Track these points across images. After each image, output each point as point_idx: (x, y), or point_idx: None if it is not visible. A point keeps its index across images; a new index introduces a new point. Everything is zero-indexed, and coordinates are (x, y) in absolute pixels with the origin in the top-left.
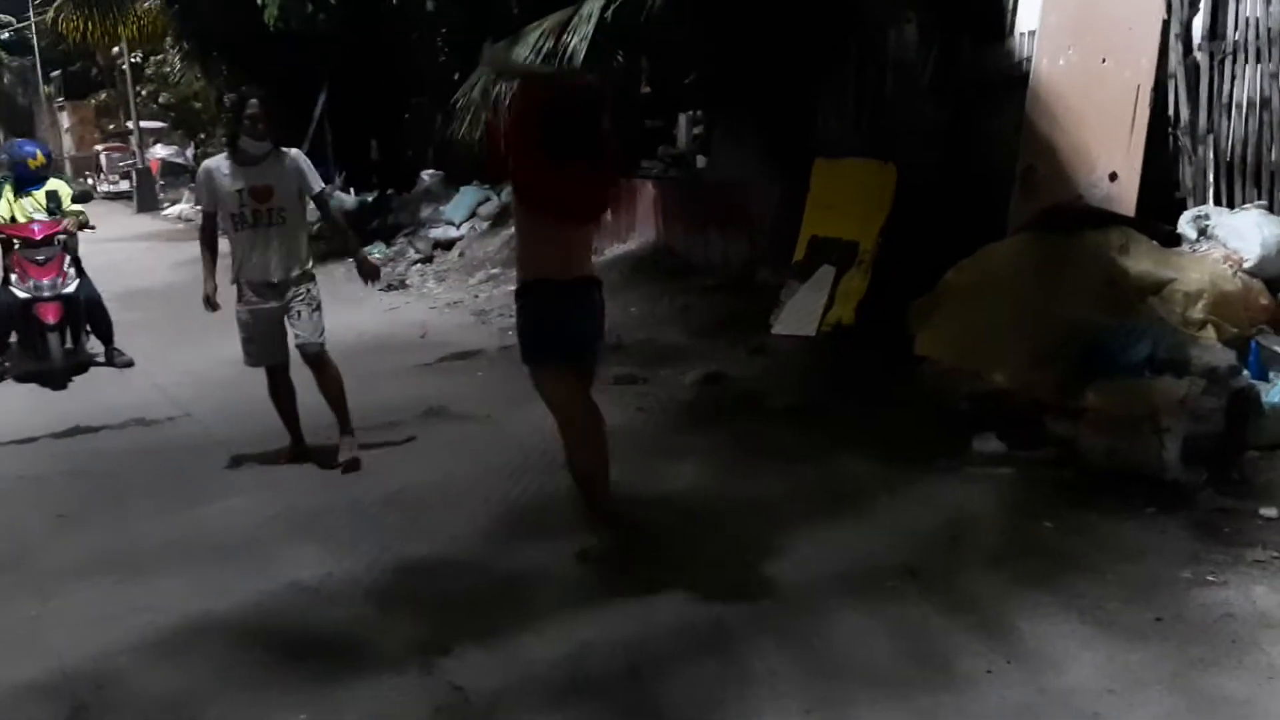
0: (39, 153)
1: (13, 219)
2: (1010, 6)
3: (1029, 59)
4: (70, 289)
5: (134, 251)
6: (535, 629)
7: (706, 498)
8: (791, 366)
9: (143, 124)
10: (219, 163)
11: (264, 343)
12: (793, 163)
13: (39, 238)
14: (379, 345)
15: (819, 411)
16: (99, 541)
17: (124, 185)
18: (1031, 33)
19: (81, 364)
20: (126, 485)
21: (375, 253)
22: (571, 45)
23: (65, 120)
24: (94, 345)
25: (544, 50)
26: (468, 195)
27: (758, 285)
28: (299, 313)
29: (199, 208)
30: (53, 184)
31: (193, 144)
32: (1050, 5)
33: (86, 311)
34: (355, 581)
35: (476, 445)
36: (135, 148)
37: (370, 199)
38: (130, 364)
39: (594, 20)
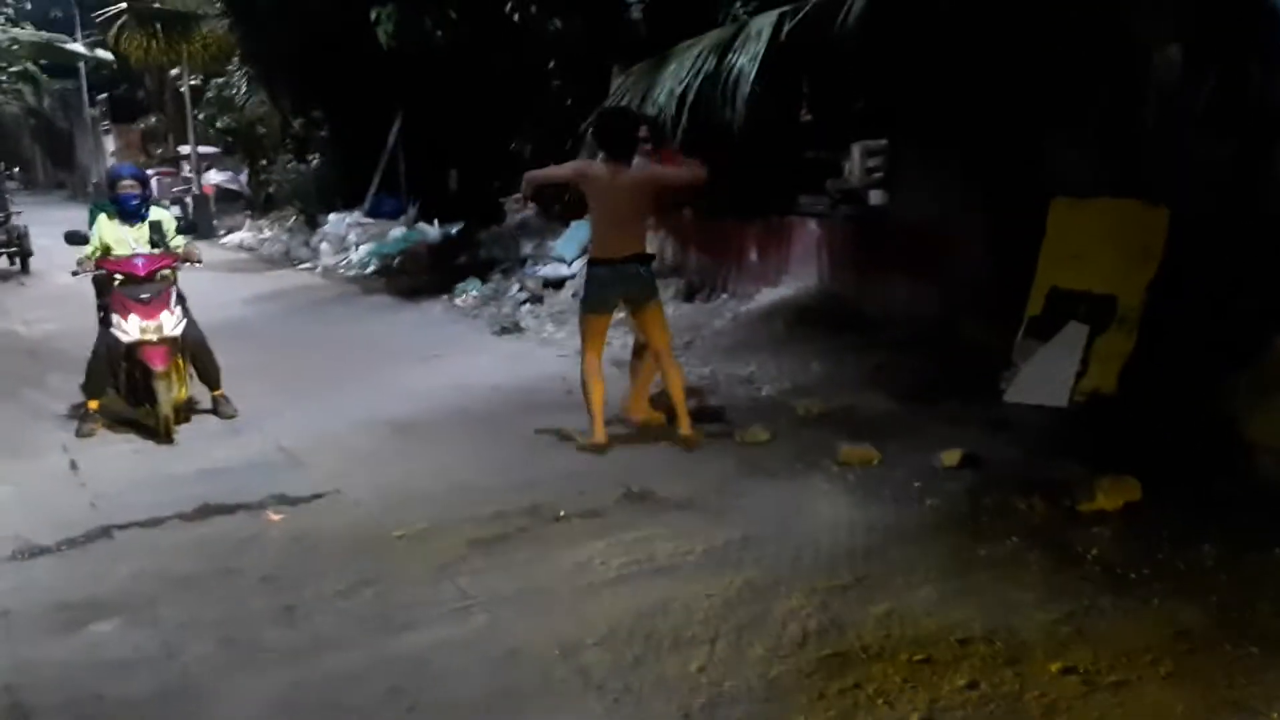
0: (128, 177)
1: (108, 251)
2: None
3: None
4: (178, 330)
5: (199, 284)
6: None
7: (1100, 652)
8: (1057, 447)
9: (196, 149)
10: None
11: None
12: (1010, 201)
13: (143, 274)
14: (524, 402)
15: (1144, 517)
16: (289, 682)
17: (174, 212)
18: None
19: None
20: (298, 594)
21: (471, 290)
22: (738, 65)
23: (110, 144)
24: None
25: (703, 71)
26: (579, 231)
27: (965, 343)
28: None
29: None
30: (155, 213)
31: (248, 170)
32: None
33: (192, 354)
34: None
35: (709, 545)
36: (193, 173)
37: (456, 231)
38: (234, 415)
39: (765, 38)
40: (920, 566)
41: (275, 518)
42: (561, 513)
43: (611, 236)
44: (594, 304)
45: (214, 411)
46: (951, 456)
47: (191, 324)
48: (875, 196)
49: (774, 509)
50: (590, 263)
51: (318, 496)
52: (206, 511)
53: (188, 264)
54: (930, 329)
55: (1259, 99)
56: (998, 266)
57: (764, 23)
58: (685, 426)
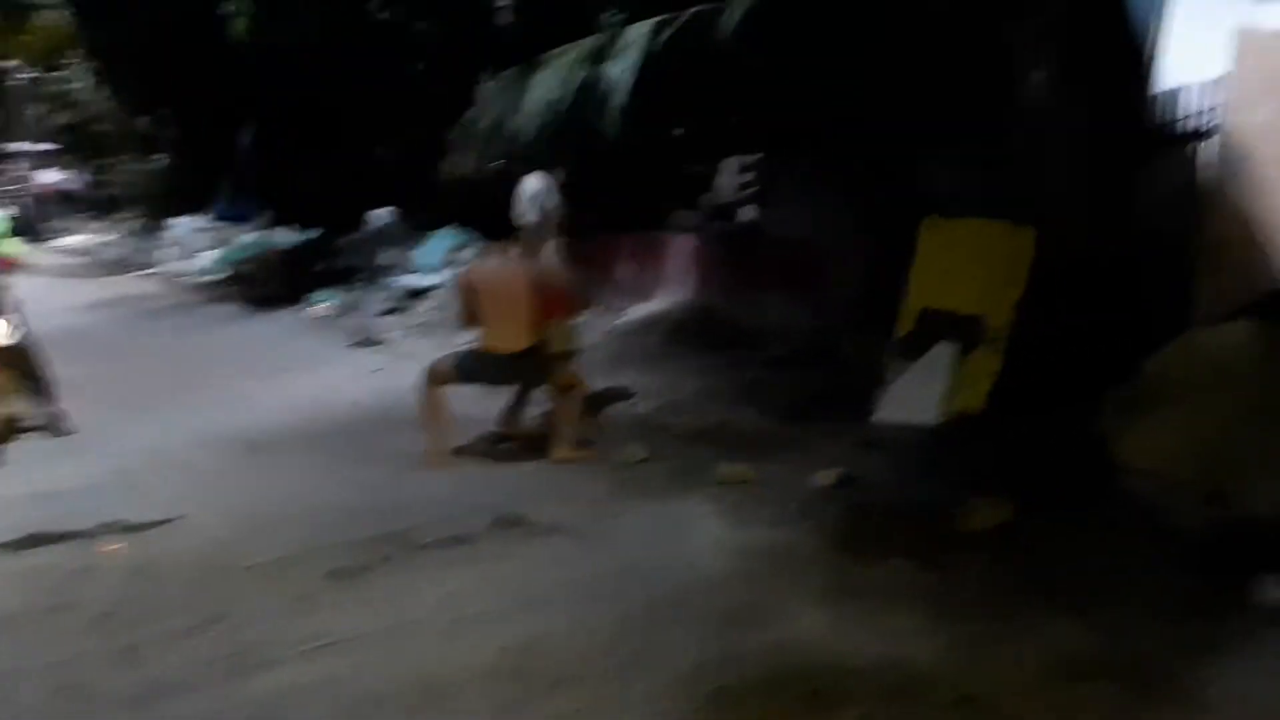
0: None
1: None
2: (1150, 49)
3: (1208, 110)
4: (5, 340)
5: (33, 290)
6: None
7: (991, 682)
8: (930, 467)
9: (30, 146)
10: None
11: None
12: (883, 219)
13: None
14: (386, 420)
15: (1021, 538)
16: None
17: (5, 213)
18: (1214, 81)
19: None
20: (139, 633)
21: (328, 300)
22: (612, 75)
23: None
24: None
25: (576, 80)
26: (443, 240)
27: (840, 360)
28: None
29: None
30: None
31: (91, 169)
32: (1245, 49)
33: (21, 366)
34: None
35: (585, 574)
36: (27, 172)
37: (311, 238)
38: (70, 432)
39: (640, 48)
40: (804, 592)
41: (113, 547)
42: (428, 540)
43: (502, 330)
44: (470, 376)
45: (46, 429)
46: (828, 476)
47: (22, 333)
48: (748, 212)
49: (652, 533)
50: (482, 349)
51: (161, 523)
52: (36, 540)
53: (17, 269)
54: (805, 346)
55: (1129, 121)
56: (873, 284)
57: (639, 32)
58: (560, 451)
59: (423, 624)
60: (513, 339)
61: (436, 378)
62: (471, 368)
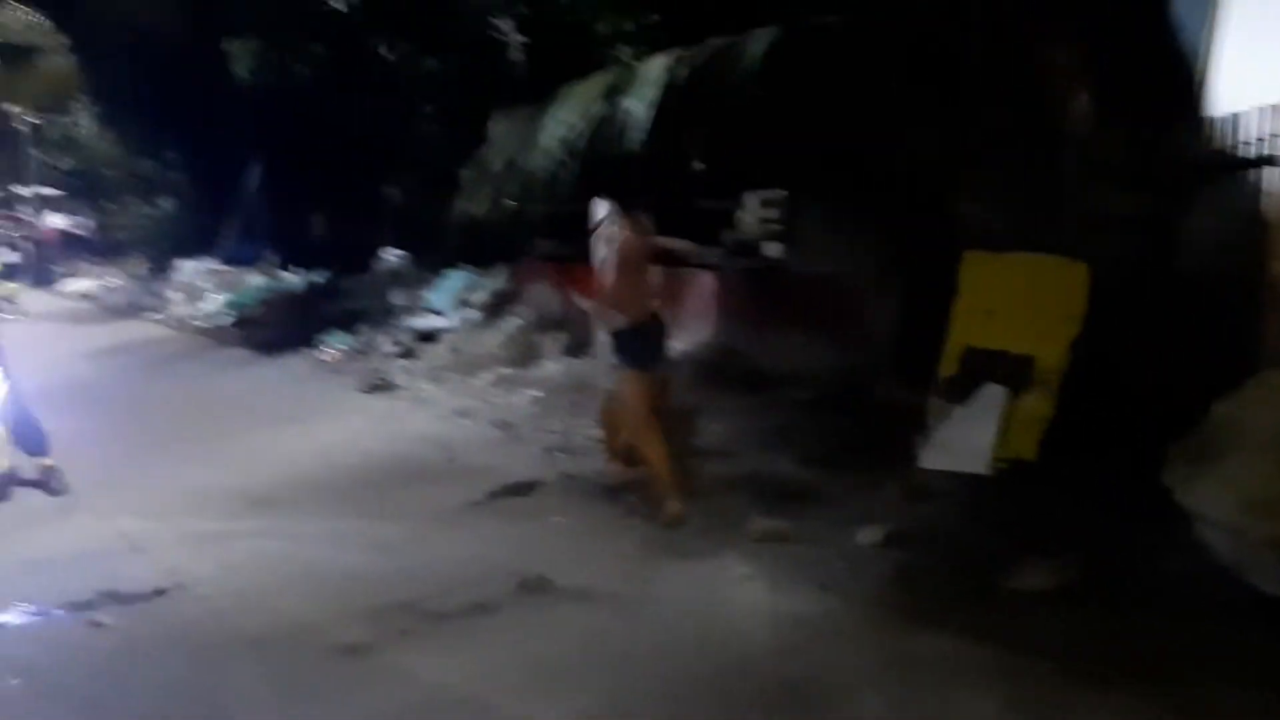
0: None
1: None
2: (1201, 73)
3: (1268, 136)
4: None
5: (35, 335)
6: None
7: None
8: (983, 520)
9: (35, 190)
10: None
11: None
12: (917, 254)
13: None
14: (400, 471)
15: (1087, 601)
16: None
17: (13, 258)
18: (1272, 107)
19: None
20: None
21: (337, 343)
22: (629, 109)
23: None
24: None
25: (592, 115)
26: (454, 280)
27: (874, 403)
28: None
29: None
30: None
31: (97, 213)
32: None
33: (13, 419)
34: None
35: (621, 648)
36: (31, 216)
37: (321, 280)
38: (65, 491)
39: (658, 82)
40: (859, 669)
41: (106, 620)
42: (448, 609)
43: (635, 297)
44: (643, 361)
45: (39, 486)
46: (874, 533)
47: (12, 383)
48: (772, 249)
49: (688, 599)
50: (628, 331)
51: (158, 593)
52: (20, 613)
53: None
54: (835, 388)
55: (1177, 153)
56: (908, 323)
57: (657, 66)
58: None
59: (445, 708)
60: (638, 307)
61: (636, 399)
62: (627, 349)
